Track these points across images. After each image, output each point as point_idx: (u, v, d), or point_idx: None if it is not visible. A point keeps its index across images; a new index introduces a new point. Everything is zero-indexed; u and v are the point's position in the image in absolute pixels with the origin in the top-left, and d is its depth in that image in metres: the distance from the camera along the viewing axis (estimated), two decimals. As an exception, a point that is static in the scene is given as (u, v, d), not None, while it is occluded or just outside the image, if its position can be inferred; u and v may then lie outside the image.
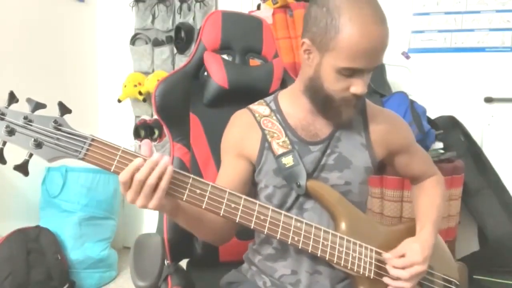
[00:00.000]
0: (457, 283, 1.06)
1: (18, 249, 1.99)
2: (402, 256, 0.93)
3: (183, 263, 1.24)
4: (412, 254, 0.92)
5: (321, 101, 0.91)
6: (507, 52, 2.12)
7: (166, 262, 1.16)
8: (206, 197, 0.80)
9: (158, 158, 0.75)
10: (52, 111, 0.75)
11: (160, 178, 0.74)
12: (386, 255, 0.94)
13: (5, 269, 1.91)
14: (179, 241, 1.19)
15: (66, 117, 0.75)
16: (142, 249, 1.10)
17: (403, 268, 0.91)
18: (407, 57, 2.27)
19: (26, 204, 2.30)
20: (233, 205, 0.82)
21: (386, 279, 0.92)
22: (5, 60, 2.20)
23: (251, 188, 1.01)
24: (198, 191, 0.80)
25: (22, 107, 0.73)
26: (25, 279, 1.94)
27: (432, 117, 2.08)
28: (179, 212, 0.84)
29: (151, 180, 0.74)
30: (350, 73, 0.85)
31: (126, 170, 0.73)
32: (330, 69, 0.86)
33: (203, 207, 0.80)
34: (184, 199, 0.79)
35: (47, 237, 2.13)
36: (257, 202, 0.85)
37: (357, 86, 0.86)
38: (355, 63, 0.83)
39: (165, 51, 2.58)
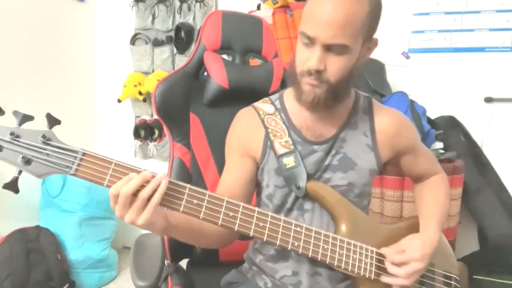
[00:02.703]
0: (457, 278, 1.06)
1: (18, 249, 1.99)
2: (402, 251, 0.93)
3: (183, 263, 1.24)
4: (411, 251, 0.92)
5: (291, 76, 0.92)
6: (507, 52, 2.12)
7: (166, 262, 1.16)
8: (204, 207, 0.78)
9: (150, 174, 0.73)
10: (52, 111, 0.74)
11: (153, 192, 0.73)
12: (385, 250, 0.94)
13: (5, 269, 1.91)
14: (179, 241, 1.19)
15: (65, 119, 0.73)
16: (142, 249, 1.10)
17: (400, 264, 0.91)
18: (407, 57, 2.27)
19: (26, 204, 2.30)
20: (231, 214, 0.81)
21: (384, 277, 0.93)
22: (5, 60, 2.20)
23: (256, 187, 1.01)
24: (195, 201, 0.78)
25: (19, 107, 0.72)
26: (25, 279, 1.94)
27: (432, 117, 2.08)
28: (170, 230, 0.81)
29: (144, 194, 0.72)
30: (307, 41, 0.84)
31: (119, 183, 0.71)
32: (298, 37, 0.88)
33: (201, 217, 0.79)
34: (180, 210, 0.77)
35: (47, 237, 2.13)
36: (256, 209, 0.84)
37: (310, 59, 0.85)
38: (307, 28, 0.83)
39: (165, 51, 2.58)
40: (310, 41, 0.84)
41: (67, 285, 2.12)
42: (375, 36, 0.91)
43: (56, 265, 2.08)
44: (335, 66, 0.85)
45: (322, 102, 0.88)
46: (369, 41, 0.89)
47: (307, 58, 0.85)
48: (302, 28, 0.85)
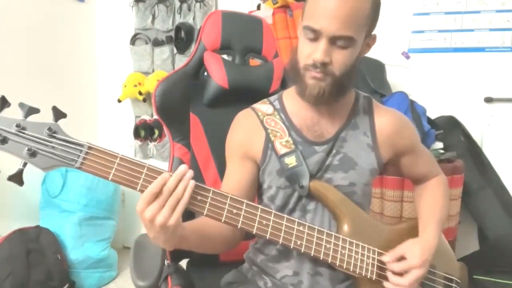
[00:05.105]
0: (458, 281, 1.06)
1: (18, 249, 1.99)
2: (401, 257, 0.93)
3: (183, 263, 1.24)
4: (410, 257, 0.91)
5: (293, 73, 0.91)
6: (507, 52, 2.12)
7: (166, 262, 1.16)
8: (207, 203, 0.78)
9: (185, 170, 0.74)
10: (51, 111, 0.73)
11: (184, 190, 0.73)
12: (384, 258, 0.93)
13: (5, 269, 1.91)
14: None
15: (65, 119, 0.73)
16: (142, 249, 1.10)
17: (401, 272, 0.91)
18: (407, 57, 2.27)
19: (26, 204, 2.30)
20: (234, 211, 0.81)
21: (386, 284, 0.92)
22: (5, 60, 2.20)
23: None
24: (199, 197, 0.77)
25: (17, 108, 0.71)
26: (25, 279, 1.94)
27: (432, 117, 2.07)
28: (185, 238, 0.80)
29: (179, 190, 0.72)
30: (311, 36, 0.84)
31: (157, 181, 0.72)
32: (300, 33, 0.88)
33: (204, 213, 0.78)
34: None
35: (47, 237, 2.13)
36: (259, 206, 0.83)
37: (315, 52, 0.85)
38: (312, 22, 0.83)
39: (165, 51, 2.58)
40: (315, 35, 0.84)
41: (67, 285, 2.12)
42: (375, 34, 0.92)
43: (56, 265, 2.08)
44: (340, 59, 0.85)
45: (326, 96, 0.88)
46: (369, 36, 0.90)
47: (311, 52, 0.85)
48: (307, 22, 0.85)
